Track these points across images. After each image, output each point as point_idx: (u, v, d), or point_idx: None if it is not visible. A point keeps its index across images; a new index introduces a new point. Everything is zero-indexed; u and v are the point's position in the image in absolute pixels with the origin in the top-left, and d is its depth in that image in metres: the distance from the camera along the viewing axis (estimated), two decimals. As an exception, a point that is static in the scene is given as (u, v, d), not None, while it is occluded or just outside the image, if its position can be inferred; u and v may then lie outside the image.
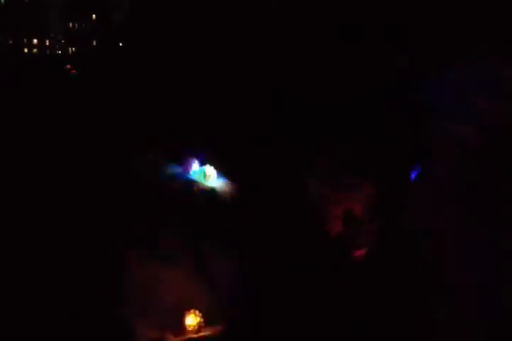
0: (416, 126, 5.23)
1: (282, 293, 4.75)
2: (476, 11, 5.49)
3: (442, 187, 4.64)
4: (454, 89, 4.85)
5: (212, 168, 6.00)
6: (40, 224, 5.62)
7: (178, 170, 5.95)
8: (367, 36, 6.26)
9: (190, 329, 4.64)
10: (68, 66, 15.91)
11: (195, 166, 6.07)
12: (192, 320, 4.65)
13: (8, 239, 5.45)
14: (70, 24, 20.27)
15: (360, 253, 5.23)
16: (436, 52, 5.46)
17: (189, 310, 4.72)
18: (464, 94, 4.66)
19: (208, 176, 5.99)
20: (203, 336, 4.65)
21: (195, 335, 4.64)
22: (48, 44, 21.42)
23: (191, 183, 5.75)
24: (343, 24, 6.59)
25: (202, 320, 4.66)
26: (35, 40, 21.55)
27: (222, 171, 5.97)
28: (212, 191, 5.73)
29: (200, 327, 4.65)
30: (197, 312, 4.69)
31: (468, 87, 4.73)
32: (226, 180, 5.94)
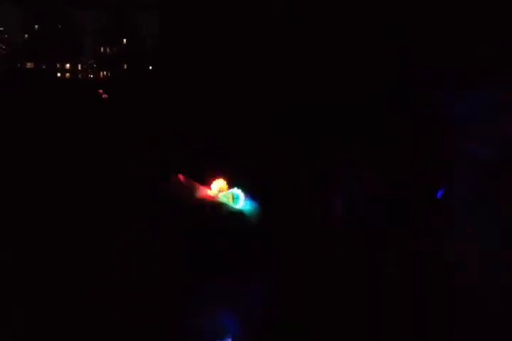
0: (439, 147, 5.27)
1: (309, 311, 4.79)
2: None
3: (464, 207, 4.67)
4: (476, 111, 4.89)
5: (240, 190, 6.07)
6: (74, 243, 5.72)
7: (207, 192, 6.03)
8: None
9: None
10: (100, 90, 16.21)
11: (223, 188, 6.13)
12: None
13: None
14: (102, 48, 20.67)
15: (382, 271, 5.25)
16: (459, 74, 5.50)
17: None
18: (486, 116, 4.70)
19: (236, 198, 6.05)
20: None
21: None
22: (80, 68, 21.84)
23: (219, 205, 5.82)
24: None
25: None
26: (67, 65, 22.00)
27: (250, 193, 6.03)
28: (240, 213, 5.79)
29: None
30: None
31: (490, 109, 4.76)
32: (254, 202, 6.00)
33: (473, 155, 4.77)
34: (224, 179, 6.10)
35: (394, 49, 6.20)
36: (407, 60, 5.96)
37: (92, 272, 5.06)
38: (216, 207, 5.82)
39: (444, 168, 5.17)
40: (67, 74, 21.81)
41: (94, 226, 5.60)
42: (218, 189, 6.10)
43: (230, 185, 6.09)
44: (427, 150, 5.43)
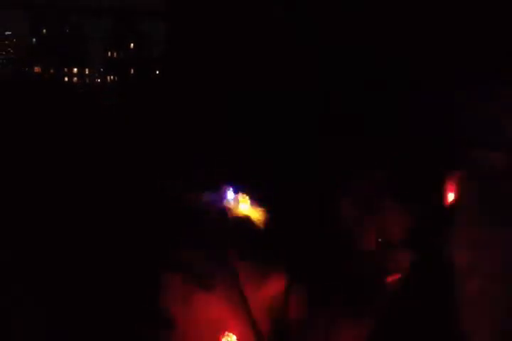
0: (447, 152, 5.27)
1: (315, 315, 4.80)
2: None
3: (474, 214, 4.67)
4: (483, 115, 4.88)
5: (245, 195, 6.08)
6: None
7: (213, 197, 6.04)
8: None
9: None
10: (107, 94, 16.22)
11: (229, 194, 6.14)
12: (226, 343, 4.73)
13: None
14: (109, 53, 20.72)
15: (393, 278, 5.25)
16: (465, 78, 5.51)
17: (223, 333, 4.79)
18: (493, 120, 4.69)
19: (242, 204, 6.05)
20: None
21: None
22: (87, 73, 21.88)
23: (225, 210, 5.83)
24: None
25: (236, 343, 4.74)
26: (75, 69, 22.07)
27: (255, 198, 6.04)
28: (246, 218, 5.80)
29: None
30: (231, 335, 4.77)
31: (498, 113, 4.76)
32: (260, 208, 6.01)
33: (481, 161, 4.78)
34: (231, 184, 6.11)
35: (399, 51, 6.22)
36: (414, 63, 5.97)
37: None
38: (223, 212, 5.84)
39: (453, 176, 5.17)
40: (75, 79, 21.85)
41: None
42: (225, 194, 6.11)
43: (237, 190, 6.10)
44: (436, 159, 5.44)
